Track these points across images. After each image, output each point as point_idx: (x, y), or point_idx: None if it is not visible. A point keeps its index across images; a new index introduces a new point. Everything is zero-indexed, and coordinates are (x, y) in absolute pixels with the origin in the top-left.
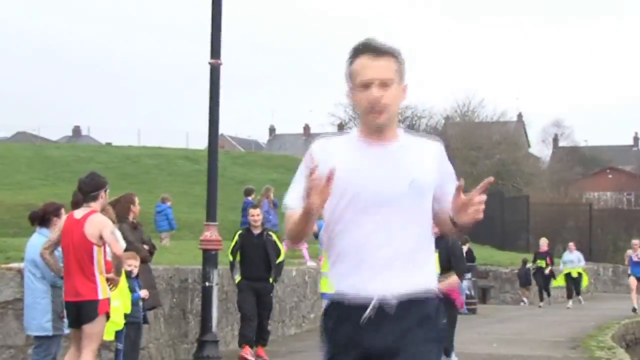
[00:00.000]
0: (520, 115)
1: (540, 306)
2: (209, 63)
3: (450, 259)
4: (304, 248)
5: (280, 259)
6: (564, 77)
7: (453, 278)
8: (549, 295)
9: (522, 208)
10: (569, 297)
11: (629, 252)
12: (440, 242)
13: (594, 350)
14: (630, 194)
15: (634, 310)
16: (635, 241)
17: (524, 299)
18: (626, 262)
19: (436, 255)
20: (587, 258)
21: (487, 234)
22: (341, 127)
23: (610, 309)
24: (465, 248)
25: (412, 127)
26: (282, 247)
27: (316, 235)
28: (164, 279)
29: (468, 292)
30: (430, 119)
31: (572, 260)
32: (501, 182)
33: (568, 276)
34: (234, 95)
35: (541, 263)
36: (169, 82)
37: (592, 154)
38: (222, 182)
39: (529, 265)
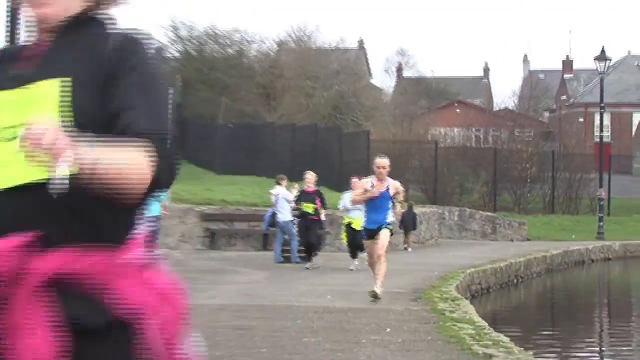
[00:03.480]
0: (361, 42)
1: (307, 267)
2: None
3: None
4: None
5: None
6: (409, 0)
7: None
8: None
9: (362, 145)
10: (353, 255)
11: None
12: None
13: (436, 302)
14: (479, 129)
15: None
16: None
17: (407, 246)
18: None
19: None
20: (433, 201)
21: (324, 174)
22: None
23: (456, 256)
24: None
25: (240, 52)
26: None
27: None
28: None
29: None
30: (261, 44)
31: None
32: (339, 116)
33: (348, 227)
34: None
35: (307, 207)
36: None
37: (439, 86)
38: None
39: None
